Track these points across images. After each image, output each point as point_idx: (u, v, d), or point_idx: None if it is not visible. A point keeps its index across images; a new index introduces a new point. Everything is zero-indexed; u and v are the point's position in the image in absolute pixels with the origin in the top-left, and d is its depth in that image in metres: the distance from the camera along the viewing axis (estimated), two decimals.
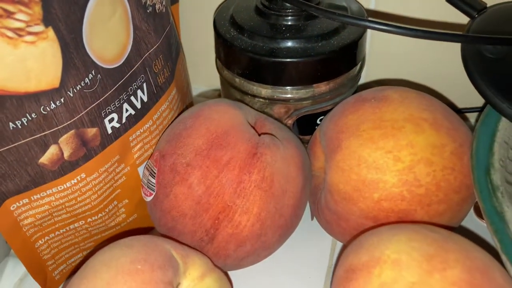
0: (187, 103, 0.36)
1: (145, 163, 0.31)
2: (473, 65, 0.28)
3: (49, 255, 0.29)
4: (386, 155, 0.26)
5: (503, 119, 0.27)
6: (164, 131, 0.30)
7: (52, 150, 0.25)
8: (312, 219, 0.33)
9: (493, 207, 0.24)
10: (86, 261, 0.24)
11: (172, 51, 0.32)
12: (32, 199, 0.26)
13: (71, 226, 0.29)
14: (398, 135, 0.26)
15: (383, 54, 0.37)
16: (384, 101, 0.27)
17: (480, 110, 0.35)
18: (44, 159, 0.25)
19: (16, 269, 0.33)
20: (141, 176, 0.31)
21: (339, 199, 0.27)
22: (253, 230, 0.26)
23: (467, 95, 0.33)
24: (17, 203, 0.26)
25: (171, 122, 0.31)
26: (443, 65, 0.36)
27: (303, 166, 0.28)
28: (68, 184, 0.26)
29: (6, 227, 0.26)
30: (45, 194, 0.26)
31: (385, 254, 0.21)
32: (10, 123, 0.23)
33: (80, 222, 0.29)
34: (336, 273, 0.23)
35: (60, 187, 0.26)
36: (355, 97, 0.29)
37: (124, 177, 0.30)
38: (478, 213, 0.33)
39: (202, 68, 0.43)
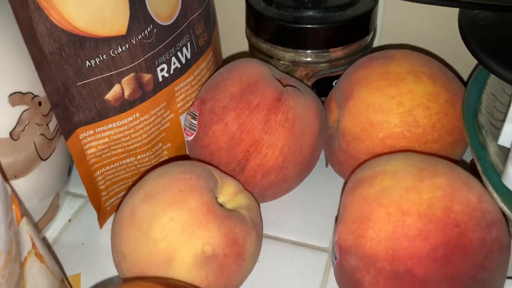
0: (219, 65, 0.41)
1: (186, 113, 0.36)
2: (468, 31, 0.33)
3: (103, 186, 0.35)
4: (390, 101, 0.31)
5: (492, 75, 0.32)
6: (203, 85, 0.36)
7: (115, 89, 0.30)
8: (326, 165, 0.38)
9: (478, 140, 0.29)
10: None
11: (211, 20, 0.37)
12: (96, 131, 0.32)
13: (123, 161, 0.34)
14: (401, 85, 0.31)
15: (394, 25, 0.42)
16: (389, 59, 0.33)
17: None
18: (109, 95, 0.30)
19: (72, 203, 0.38)
20: (182, 123, 0.36)
21: (350, 139, 0.32)
22: (277, 162, 0.32)
23: (465, 60, 0.37)
24: (84, 133, 0.31)
25: (207, 81, 0.36)
26: (446, 35, 0.41)
27: (320, 114, 0.34)
28: (125, 121, 0.32)
29: (75, 153, 0.31)
30: (107, 127, 0.32)
31: (386, 168, 0.26)
32: (87, 62, 0.28)
33: (131, 158, 0.35)
34: (345, 187, 0.28)
35: (119, 123, 0.32)
36: (366, 57, 0.34)
37: (168, 122, 0.35)
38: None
39: (232, 36, 0.48)
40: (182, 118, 0.36)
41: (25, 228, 0.25)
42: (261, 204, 0.35)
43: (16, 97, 0.28)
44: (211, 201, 0.27)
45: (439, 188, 0.24)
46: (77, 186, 0.40)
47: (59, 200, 0.35)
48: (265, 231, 0.35)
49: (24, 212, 0.25)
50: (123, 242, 0.27)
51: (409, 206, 0.24)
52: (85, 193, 0.39)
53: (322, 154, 0.39)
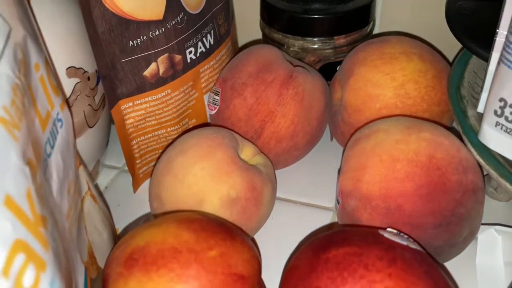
0: (235, 53, 0.47)
1: (208, 92, 0.42)
2: (453, 19, 0.38)
3: (138, 155, 0.40)
4: (385, 76, 0.36)
5: (473, 56, 0.37)
6: (224, 68, 0.41)
7: (152, 66, 0.36)
8: (331, 139, 0.43)
9: (459, 108, 0.34)
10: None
11: (230, 13, 0.43)
12: (135, 103, 0.37)
13: (156, 133, 0.40)
14: (394, 63, 0.36)
15: (391, 17, 0.48)
16: (385, 42, 0.38)
17: None
18: (147, 72, 0.36)
19: (107, 173, 0.44)
20: (206, 101, 0.42)
21: (351, 111, 0.38)
22: (288, 131, 0.37)
23: (450, 44, 0.42)
24: (125, 105, 0.37)
25: (226, 65, 0.42)
26: (435, 23, 0.46)
27: (325, 92, 0.39)
28: (159, 96, 0.38)
29: (117, 122, 0.37)
30: (143, 101, 0.37)
31: (380, 127, 0.31)
32: (130, 41, 0.34)
33: (162, 131, 0.40)
34: (346, 146, 0.33)
35: (154, 97, 0.37)
36: (365, 42, 0.40)
37: (194, 100, 0.41)
38: None
39: (245, 29, 0.54)
40: (205, 97, 0.42)
41: (82, 174, 0.30)
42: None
43: (71, 71, 0.34)
44: (234, 155, 0.32)
45: (424, 140, 0.30)
46: (111, 159, 0.45)
47: (99, 167, 0.41)
48: (277, 194, 0.40)
49: (81, 161, 0.31)
50: (161, 189, 0.32)
51: (398, 154, 0.29)
52: (119, 164, 0.44)
53: (327, 131, 0.44)
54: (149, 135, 0.40)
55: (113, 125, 0.44)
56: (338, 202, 0.32)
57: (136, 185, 0.41)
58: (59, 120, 0.24)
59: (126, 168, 0.45)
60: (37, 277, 0.16)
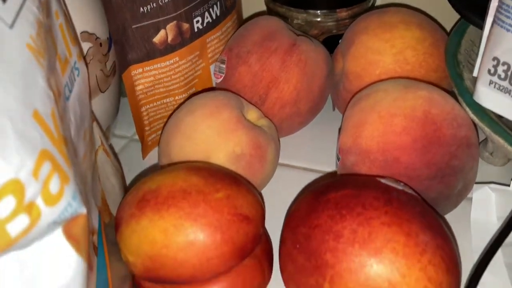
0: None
1: (214, 63, 0.43)
2: None
3: (147, 122, 0.42)
4: (384, 44, 0.38)
5: (471, 26, 0.39)
6: (230, 38, 0.43)
7: (161, 33, 0.38)
8: (333, 109, 0.45)
9: (456, 72, 0.35)
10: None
11: None
12: (144, 70, 0.39)
13: (164, 101, 0.41)
14: (394, 31, 0.38)
15: None
16: (385, 12, 0.39)
17: None
18: (156, 39, 0.38)
19: (117, 142, 0.46)
20: (212, 72, 0.43)
21: (352, 78, 0.39)
22: (292, 96, 0.39)
23: (449, 15, 0.44)
24: (135, 71, 0.38)
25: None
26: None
27: (327, 61, 0.40)
28: (167, 63, 0.39)
29: (128, 87, 0.39)
30: (153, 67, 0.39)
31: (379, 87, 0.33)
32: (141, 8, 0.36)
33: (170, 98, 0.42)
34: (347, 107, 0.35)
35: (163, 64, 0.39)
36: (365, 14, 0.41)
37: (200, 70, 0.43)
38: None
39: (251, 2, 0.55)
40: (212, 67, 0.43)
41: (96, 129, 0.32)
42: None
43: (85, 35, 0.35)
44: (240, 114, 0.34)
45: (421, 97, 0.31)
46: (121, 129, 0.47)
47: (109, 134, 0.42)
48: (280, 160, 0.41)
49: (94, 119, 0.32)
50: (171, 147, 0.34)
51: (396, 110, 0.31)
52: (128, 134, 0.46)
53: (330, 102, 0.45)
54: (157, 103, 0.41)
55: (122, 98, 0.45)
56: (338, 159, 0.34)
57: (145, 151, 0.43)
58: (76, 68, 0.26)
59: (135, 137, 0.46)
60: (61, 187, 0.17)
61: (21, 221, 0.16)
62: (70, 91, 0.24)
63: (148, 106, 0.41)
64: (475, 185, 0.35)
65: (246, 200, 0.27)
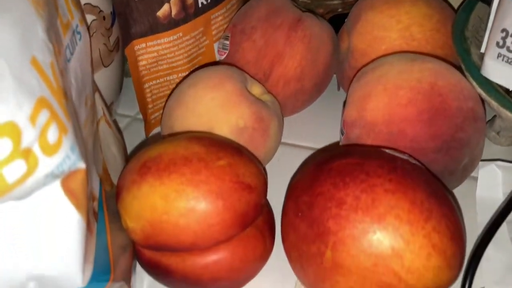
0: None
1: (218, 42, 0.43)
2: None
3: (150, 99, 0.42)
4: (391, 19, 0.37)
5: (479, 3, 0.38)
6: (234, 15, 0.42)
7: (165, 7, 0.37)
8: (338, 89, 0.44)
9: (463, 47, 0.35)
10: None
11: None
12: (148, 44, 0.38)
13: (167, 78, 0.41)
14: (400, 7, 0.37)
15: None
16: None
17: None
18: (160, 12, 0.37)
19: (120, 121, 0.45)
20: (215, 50, 0.43)
21: (358, 56, 0.39)
22: (296, 72, 0.38)
23: None
24: (138, 45, 0.38)
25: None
26: None
27: (332, 37, 0.40)
28: (171, 38, 0.39)
29: (131, 62, 0.38)
30: (156, 42, 0.39)
31: (385, 61, 0.32)
32: None
33: (173, 76, 0.41)
34: (352, 81, 0.34)
35: (166, 39, 0.39)
36: None
37: (204, 48, 0.42)
38: None
39: None
40: (215, 45, 0.43)
41: (98, 100, 0.31)
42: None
43: (87, 7, 0.35)
44: (243, 87, 0.33)
45: (427, 70, 0.31)
46: (125, 107, 0.47)
47: (112, 111, 0.42)
48: (283, 140, 0.41)
49: (96, 89, 0.32)
50: (173, 119, 0.33)
51: (401, 82, 0.30)
52: (131, 113, 0.46)
53: (334, 83, 0.45)
54: (161, 80, 0.41)
55: (127, 78, 0.45)
56: (342, 133, 0.33)
57: (148, 130, 0.43)
58: (78, 32, 0.25)
59: (138, 116, 0.46)
60: (60, 137, 0.17)
61: (18, 167, 0.15)
62: (72, 54, 0.24)
63: (151, 83, 0.41)
64: (481, 162, 0.34)
65: (248, 169, 0.27)
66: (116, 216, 0.28)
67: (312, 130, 0.42)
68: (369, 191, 0.24)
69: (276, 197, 0.35)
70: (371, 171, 0.25)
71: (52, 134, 0.17)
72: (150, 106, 0.42)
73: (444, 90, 0.30)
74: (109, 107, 0.41)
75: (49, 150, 0.16)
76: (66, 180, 0.18)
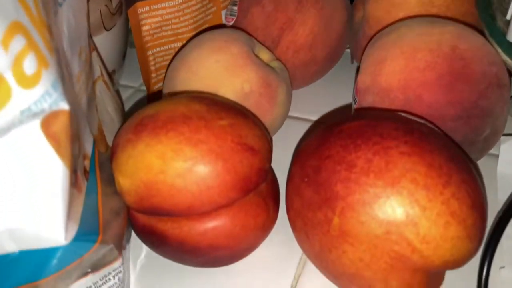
0: None
1: (226, 8, 0.41)
2: None
3: (153, 68, 0.40)
4: None
5: None
6: None
7: None
8: (352, 62, 0.42)
9: (487, 13, 0.32)
10: None
11: None
12: (151, 8, 0.36)
13: (171, 45, 0.39)
14: None
15: None
16: None
17: None
18: None
19: (123, 92, 0.44)
20: (223, 17, 0.41)
21: (373, 24, 0.36)
22: (307, 40, 0.36)
23: None
24: (142, 8, 0.36)
25: None
26: None
27: (347, 5, 0.38)
28: (176, 2, 0.37)
29: (134, 25, 0.36)
30: (160, 6, 0.37)
31: (402, 23, 0.30)
32: None
33: (177, 43, 0.39)
34: (366, 47, 0.32)
35: (171, 3, 0.37)
36: None
37: (211, 15, 0.40)
38: None
39: None
40: (223, 13, 0.41)
41: (96, 59, 0.30)
42: None
43: None
44: (250, 50, 0.31)
45: (448, 32, 0.28)
46: (128, 79, 0.45)
47: (115, 78, 0.41)
48: (291, 113, 0.39)
49: (94, 48, 0.30)
50: (176, 83, 0.32)
51: (420, 44, 0.28)
52: (135, 84, 0.44)
53: (347, 57, 0.43)
54: (165, 47, 0.39)
55: (130, 49, 0.43)
56: (354, 101, 0.31)
57: (151, 100, 0.41)
58: None
59: (142, 87, 0.44)
60: (38, 70, 0.15)
61: None
62: None
63: (154, 50, 0.39)
64: (502, 137, 0.32)
65: (252, 131, 0.25)
66: (110, 180, 0.26)
67: (322, 104, 0.40)
68: (382, 153, 0.22)
69: (281, 172, 0.33)
70: (385, 133, 0.23)
71: (29, 65, 0.15)
72: (153, 75, 0.40)
73: (466, 53, 0.27)
74: (110, 75, 0.39)
75: (26, 82, 0.15)
76: (47, 121, 0.16)
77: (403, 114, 0.25)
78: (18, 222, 0.17)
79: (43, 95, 0.15)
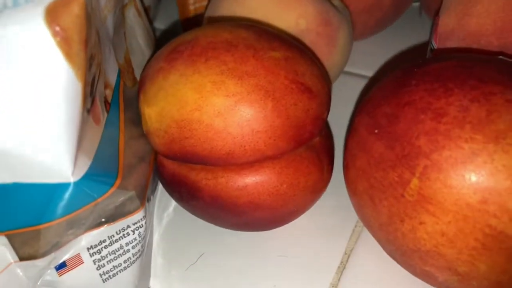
0: None
1: None
2: None
3: None
4: None
5: None
6: None
7: None
8: (420, 14, 0.36)
9: None
10: None
11: None
12: None
13: None
14: None
15: None
16: None
17: None
18: None
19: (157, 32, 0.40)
20: None
21: None
22: None
23: None
24: None
25: None
26: None
27: None
28: None
29: None
30: None
31: None
32: None
33: None
34: None
35: None
36: None
37: None
38: None
39: None
40: None
41: None
42: None
43: None
44: None
45: None
46: (160, 21, 0.41)
47: (151, 13, 0.36)
48: (349, 68, 0.34)
49: None
50: (218, 12, 0.27)
51: None
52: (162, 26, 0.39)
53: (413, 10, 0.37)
54: None
55: None
56: (431, 50, 0.26)
57: (187, 29, 0.36)
58: None
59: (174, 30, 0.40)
60: None
61: None
62: None
63: None
64: None
65: (310, 69, 0.20)
66: (136, 121, 0.22)
67: (383, 58, 0.35)
68: (483, 100, 0.17)
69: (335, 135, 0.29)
70: (485, 76, 0.17)
71: None
72: (191, 1, 0.35)
73: None
74: (146, 8, 0.35)
75: None
76: (54, 10, 0.12)
77: (501, 57, 0.20)
78: (9, 141, 0.13)
79: None
